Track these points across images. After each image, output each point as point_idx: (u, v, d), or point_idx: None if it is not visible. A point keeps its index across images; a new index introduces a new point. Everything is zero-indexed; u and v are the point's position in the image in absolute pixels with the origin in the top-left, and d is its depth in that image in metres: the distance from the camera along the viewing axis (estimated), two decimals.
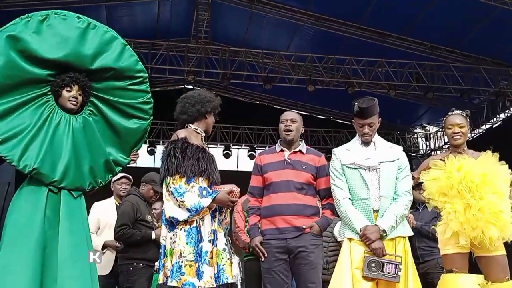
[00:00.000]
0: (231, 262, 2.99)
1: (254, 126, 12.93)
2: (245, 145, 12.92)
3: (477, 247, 3.22)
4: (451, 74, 10.28)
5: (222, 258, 2.93)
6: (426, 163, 3.56)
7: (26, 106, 2.71)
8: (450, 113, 3.60)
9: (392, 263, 3.07)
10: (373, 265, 3.08)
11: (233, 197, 2.97)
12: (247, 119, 12.72)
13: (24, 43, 2.69)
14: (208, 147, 3.24)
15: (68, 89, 2.81)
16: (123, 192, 4.65)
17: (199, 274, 2.79)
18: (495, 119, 11.60)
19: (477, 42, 9.72)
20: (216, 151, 11.97)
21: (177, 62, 10.26)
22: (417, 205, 5.02)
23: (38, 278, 2.52)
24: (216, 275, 2.86)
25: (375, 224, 3.17)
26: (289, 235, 3.30)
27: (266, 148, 3.74)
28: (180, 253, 2.83)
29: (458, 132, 3.48)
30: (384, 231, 3.14)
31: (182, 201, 2.86)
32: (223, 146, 12.61)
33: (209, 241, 2.89)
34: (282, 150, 3.51)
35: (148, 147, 12.36)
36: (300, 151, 3.51)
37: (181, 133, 3.05)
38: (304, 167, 3.42)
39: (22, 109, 2.70)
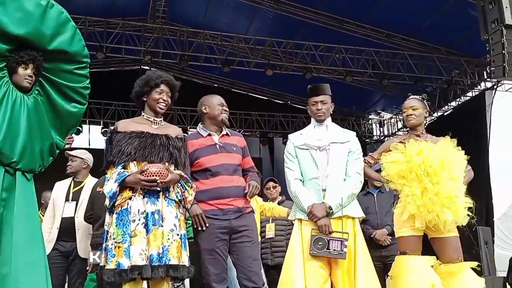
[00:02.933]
0: (180, 244, 3.00)
1: None
2: None
3: (431, 230, 3.34)
4: (405, 62, 10.50)
5: (168, 238, 2.95)
6: (386, 145, 3.68)
7: None
8: (407, 99, 3.72)
9: (338, 240, 3.15)
10: (319, 243, 3.16)
11: (146, 176, 2.91)
12: None
13: None
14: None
15: (25, 66, 2.70)
16: (67, 170, 4.65)
17: (127, 254, 2.85)
18: (446, 107, 11.95)
19: (431, 31, 9.96)
20: None
21: (134, 42, 10.02)
22: (368, 190, 5.12)
23: None
24: (160, 255, 2.88)
25: (322, 202, 3.25)
26: (232, 215, 3.37)
27: (189, 134, 3.75)
28: (111, 236, 2.92)
29: (412, 114, 3.61)
30: (330, 208, 3.23)
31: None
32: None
33: (134, 221, 2.92)
34: (209, 135, 3.55)
35: (102, 128, 12.11)
36: (227, 133, 3.61)
37: (116, 124, 3.16)
38: (234, 149, 3.53)
39: None
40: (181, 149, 3.15)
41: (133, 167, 3.00)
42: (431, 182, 3.28)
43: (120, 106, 11.93)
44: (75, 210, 4.46)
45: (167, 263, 2.90)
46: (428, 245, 3.49)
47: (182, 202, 3.12)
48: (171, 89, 3.23)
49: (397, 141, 3.58)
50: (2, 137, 2.55)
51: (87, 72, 3.01)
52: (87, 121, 11.92)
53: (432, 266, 3.33)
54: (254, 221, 3.53)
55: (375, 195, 5.05)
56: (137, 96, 3.21)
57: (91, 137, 12.20)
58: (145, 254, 2.87)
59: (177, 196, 3.08)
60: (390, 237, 4.81)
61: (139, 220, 2.91)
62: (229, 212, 3.36)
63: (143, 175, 2.91)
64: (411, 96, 3.72)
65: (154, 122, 3.17)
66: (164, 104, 3.18)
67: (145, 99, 3.18)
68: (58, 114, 2.90)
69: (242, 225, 3.38)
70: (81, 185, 4.61)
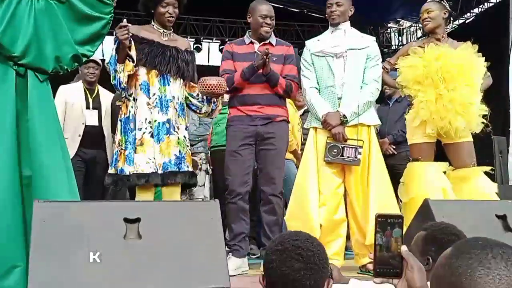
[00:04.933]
0: (190, 155, 3.16)
1: (226, 19, 12.52)
2: (216, 39, 12.58)
3: (443, 136, 3.34)
4: None
5: (183, 147, 3.08)
6: (405, 49, 3.60)
7: None
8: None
9: (352, 147, 3.21)
10: (334, 150, 3.23)
11: (204, 87, 3.02)
12: (218, 11, 12.29)
13: None
14: None
15: None
16: (91, 78, 4.47)
17: (129, 161, 2.96)
18: (468, 14, 11.52)
19: None
20: None
21: None
22: (387, 100, 5.08)
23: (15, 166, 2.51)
24: (176, 162, 3.00)
25: (336, 110, 3.26)
26: (259, 122, 3.38)
27: (235, 40, 3.68)
28: (118, 143, 3.05)
29: (426, 18, 3.48)
30: (344, 116, 3.25)
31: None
32: (193, 40, 12.27)
33: (141, 129, 2.99)
34: (252, 42, 3.49)
35: (219, 45, 12.07)
36: (270, 42, 3.49)
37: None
38: (274, 59, 3.41)
39: None
40: (189, 63, 3.20)
41: (142, 73, 3.05)
42: (447, 88, 3.24)
43: (243, 24, 11.62)
44: (99, 119, 4.42)
45: (185, 169, 3.00)
46: (441, 153, 3.51)
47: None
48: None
49: (416, 45, 3.48)
50: (2, 29, 2.55)
51: None
52: (201, 38, 12.06)
53: (444, 173, 3.37)
54: (284, 129, 3.48)
55: (390, 104, 5.01)
56: (144, 10, 3.23)
57: (211, 54, 12.34)
58: (153, 162, 2.96)
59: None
60: (393, 146, 4.81)
61: (145, 129, 2.99)
62: (257, 119, 3.38)
63: (200, 85, 3.03)
64: (429, 0, 3.57)
65: (163, 33, 3.18)
66: (172, 18, 3.17)
67: (153, 11, 3.18)
68: (82, 21, 2.84)
69: (269, 132, 3.39)
70: (95, 93, 4.51)
